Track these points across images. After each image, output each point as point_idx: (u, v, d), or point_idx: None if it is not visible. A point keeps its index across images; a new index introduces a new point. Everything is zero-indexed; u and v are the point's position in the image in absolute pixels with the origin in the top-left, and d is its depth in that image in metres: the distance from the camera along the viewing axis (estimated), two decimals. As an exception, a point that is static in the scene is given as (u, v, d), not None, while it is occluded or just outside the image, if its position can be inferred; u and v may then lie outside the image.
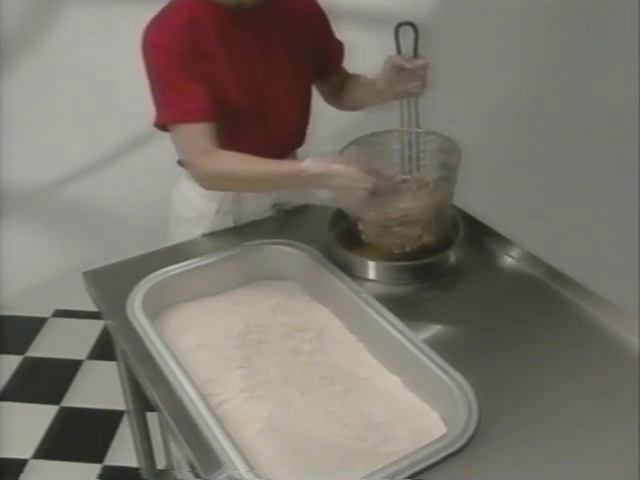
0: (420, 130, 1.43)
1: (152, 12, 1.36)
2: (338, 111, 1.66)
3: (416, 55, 1.38)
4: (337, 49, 1.56)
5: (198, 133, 1.30)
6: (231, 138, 1.32)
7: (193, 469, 1.01)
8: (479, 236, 1.47)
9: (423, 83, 1.39)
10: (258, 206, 1.54)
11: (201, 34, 1.32)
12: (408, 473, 0.96)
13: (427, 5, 2.44)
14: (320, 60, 1.51)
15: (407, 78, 1.38)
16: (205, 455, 1.00)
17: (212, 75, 1.34)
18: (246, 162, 1.29)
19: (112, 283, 1.38)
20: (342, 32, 1.58)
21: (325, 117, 1.66)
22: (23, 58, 2.57)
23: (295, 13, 1.43)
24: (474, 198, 1.52)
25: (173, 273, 1.38)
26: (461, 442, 1.00)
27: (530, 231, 1.57)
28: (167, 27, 1.33)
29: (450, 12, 2.46)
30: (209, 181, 1.35)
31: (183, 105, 1.31)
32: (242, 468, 0.96)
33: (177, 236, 1.53)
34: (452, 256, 1.39)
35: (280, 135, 1.48)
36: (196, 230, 1.52)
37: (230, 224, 1.53)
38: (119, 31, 1.89)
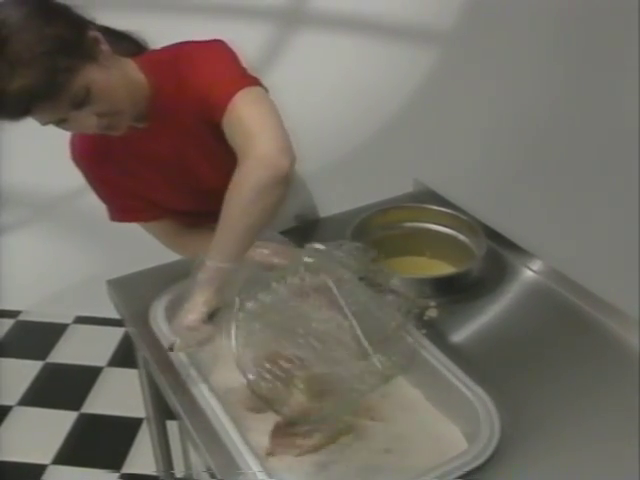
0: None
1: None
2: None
3: None
4: (217, 98, 1.20)
5: (151, 230, 1.45)
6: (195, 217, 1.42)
7: (213, 476, 1.01)
8: (500, 249, 1.47)
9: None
10: (281, 217, 1.53)
11: (111, 155, 1.33)
12: (429, 488, 0.95)
13: (450, 16, 2.44)
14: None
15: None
16: (225, 462, 1.00)
17: (138, 189, 1.38)
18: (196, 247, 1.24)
19: (135, 291, 1.39)
20: (363, 43, 1.54)
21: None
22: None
23: (184, 105, 1.24)
24: (493, 210, 1.51)
25: (196, 282, 1.38)
26: (483, 458, 0.99)
27: (530, 233, 1.55)
28: (80, 155, 1.36)
29: (473, 24, 2.47)
30: None
31: (124, 212, 1.43)
32: (262, 476, 0.96)
33: None
34: (475, 270, 1.38)
35: None
36: None
37: None
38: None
